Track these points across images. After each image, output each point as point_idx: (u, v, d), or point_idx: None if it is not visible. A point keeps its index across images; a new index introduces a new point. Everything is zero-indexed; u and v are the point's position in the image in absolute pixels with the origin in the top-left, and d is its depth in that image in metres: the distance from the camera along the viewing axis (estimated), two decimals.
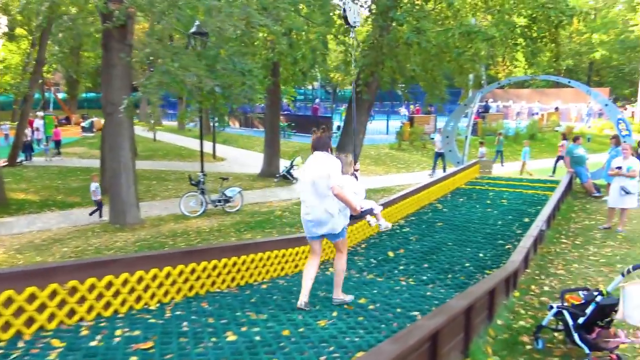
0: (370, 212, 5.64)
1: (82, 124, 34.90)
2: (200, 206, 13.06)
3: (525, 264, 7.12)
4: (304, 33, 11.42)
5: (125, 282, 4.58)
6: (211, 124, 23.82)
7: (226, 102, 9.70)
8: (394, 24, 10.87)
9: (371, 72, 11.88)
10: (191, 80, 7.83)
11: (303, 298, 5.03)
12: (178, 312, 4.63)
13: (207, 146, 23.63)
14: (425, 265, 7.28)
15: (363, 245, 8.36)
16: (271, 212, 13.21)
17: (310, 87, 73.01)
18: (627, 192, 9.62)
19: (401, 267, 7.21)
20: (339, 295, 5.29)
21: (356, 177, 5.75)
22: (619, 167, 9.68)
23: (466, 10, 13.46)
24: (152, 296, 4.84)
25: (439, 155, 17.49)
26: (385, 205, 9.42)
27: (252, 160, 22.40)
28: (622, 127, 14.72)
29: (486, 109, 33.10)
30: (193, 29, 11.12)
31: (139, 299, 4.73)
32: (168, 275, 4.97)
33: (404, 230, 9.30)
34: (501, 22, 10.76)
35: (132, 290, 4.66)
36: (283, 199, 15.25)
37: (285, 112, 34.29)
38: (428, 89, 12.90)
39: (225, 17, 8.18)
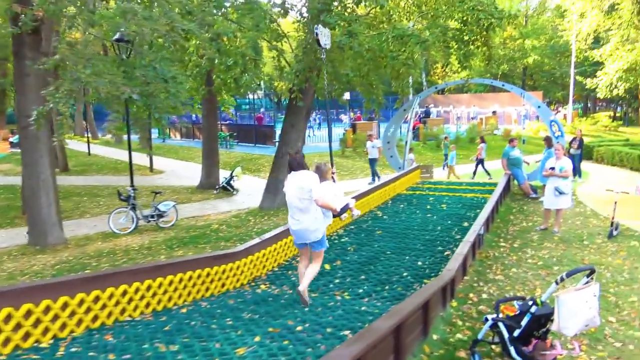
0: (346, 208, 6.60)
1: (11, 139, 32.91)
2: (131, 222, 12.28)
3: (464, 271, 6.91)
4: (236, 39, 10.96)
5: (8, 318, 3.96)
6: (152, 135, 22.84)
7: (148, 110, 9.04)
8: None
9: (305, 78, 11.53)
10: (105, 87, 7.20)
11: (303, 294, 5.72)
12: (74, 349, 4.05)
13: (145, 159, 22.75)
14: (362, 277, 6.94)
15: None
16: (208, 225, 12.60)
17: (255, 96, 72.59)
18: (561, 193, 9.67)
19: (337, 281, 6.84)
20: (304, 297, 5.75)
21: (334, 180, 6.77)
22: (552, 168, 9.74)
23: (400, 15, 13.40)
24: (45, 332, 4.24)
25: (373, 162, 17.12)
26: None
27: (191, 172, 21.61)
28: (555, 129, 15.03)
29: (427, 114, 33.59)
30: (116, 36, 10.48)
31: (27, 336, 4.12)
32: (65, 305, 4.38)
33: (342, 240, 8.97)
34: (434, 25, 10.70)
35: (19, 326, 4.04)
36: (222, 211, 14.64)
37: (228, 122, 33.60)
38: (365, 94, 12.70)
39: (142, 20, 7.61)
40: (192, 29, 8.46)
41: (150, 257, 9.43)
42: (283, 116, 32.80)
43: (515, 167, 13.68)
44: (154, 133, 39.36)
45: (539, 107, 15.53)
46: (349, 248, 8.43)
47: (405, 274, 7.03)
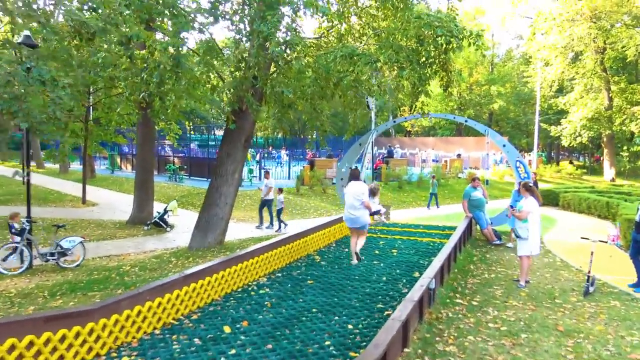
0: (378, 212, 10.64)
1: None
2: (21, 261, 10.20)
3: (404, 342, 5.18)
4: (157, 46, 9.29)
5: None
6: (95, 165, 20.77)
7: (15, 119, 7.20)
8: (263, 41, 9.08)
9: (238, 97, 9.95)
10: None
11: (354, 260, 8.74)
12: None
13: (85, 190, 20.63)
14: (269, 347, 5.15)
15: (195, 316, 6.09)
16: (119, 267, 10.60)
17: (220, 133, 71.01)
18: (517, 236, 8.23)
19: (232, 352, 5.02)
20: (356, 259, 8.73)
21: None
22: (512, 207, 8.30)
23: (354, 37, 12.05)
24: None
25: (266, 204, 15.17)
26: (238, 260, 7.30)
27: (129, 206, 19.56)
28: (521, 169, 13.78)
29: (390, 154, 32.42)
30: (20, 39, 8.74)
31: None
32: None
33: (260, 292, 7.16)
34: (387, 45, 9.33)
35: None
36: (145, 250, 12.65)
37: (181, 154, 31.69)
38: (309, 121, 11.15)
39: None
40: (86, 21, 6.77)
41: (16, 309, 7.41)
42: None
43: (477, 210, 12.23)
44: (104, 164, 37.24)
45: (504, 145, 14.30)
46: (266, 302, 6.63)
47: (327, 342, 5.27)
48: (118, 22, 8.04)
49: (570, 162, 44.45)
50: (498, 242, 12.05)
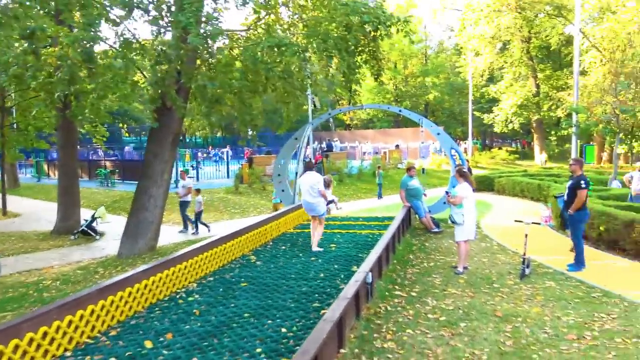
0: (332, 201, 10.41)
1: None
2: None
3: (339, 343, 4.88)
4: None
5: None
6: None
7: None
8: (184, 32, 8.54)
9: (162, 93, 9.36)
10: None
11: (314, 246, 9.46)
12: None
13: (5, 200, 19.17)
14: None
15: (114, 332, 5.56)
16: (39, 282, 9.78)
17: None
18: (453, 222, 8.18)
19: None
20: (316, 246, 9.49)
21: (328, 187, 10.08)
22: (447, 192, 8.25)
23: (284, 28, 11.66)
24: None
25: (183, 206, 14.30)
26: (164, 267, 6.80)
27: (55, 216, 18.36)
28: (456, 157, 13.88)
29: (329, 148, 32.31)
30: None
31: None
32: None
33: (189, 299, 6.69)
34: (314, 33, 9.01)
35: None
36: (71, 261, 11.79)
37: (113, 158, 30.33)
38: (239, 115, 10.67)
39: None
40: None
41: None
42: (183, 150, 30.15)
43: (415, 199, 12.18)
44: (30, 172, 35.02)
45: (438, 134, 14.36)
46: (194, 310, 6.17)
47: (258, 349, 4.89)
48: (18, 14, 7.28)
49: (499, 148, 45.90)
50: (437, 229, 12.05)
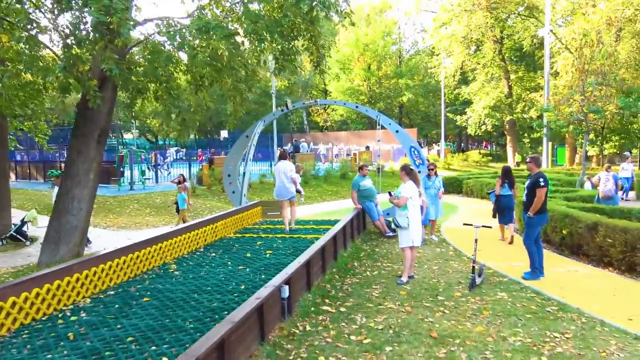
0: (299, 191, 11.64)
1: None
2: None
3: None
4: None
5: None
6: None
7: None
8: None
9: (74, 78, 8.26)
10: None
11: (289, 227, 10.83)
12: None
13: None
14: None
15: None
16: None
17: (130, 135, 66.98)
18: (397, 226, 7.30)
19: None
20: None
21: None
22: (390, 193, 7.33)
23: (224, 12, 10.61)
24: None
25: None
26: (46, 279, 5.72)
27: None
28: (415, 155, 13.00)
29: (296, 149, 31.32)
30: None
31: None
32: None
33: (72, 318, 5.60)
34: (246, 15, 8.02)
35: None
36: None
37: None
38: (163, 107, 9.59)
39: None
40: None
41: None
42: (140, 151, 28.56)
43: (368, 200, 11.25)
44: None
45: (397, 131, 13.47)
46: (69, 334, 5.09)
47: None
48: None
49: (461, 151, 45.47)
50: (391, 233, 11.13)
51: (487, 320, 5.73)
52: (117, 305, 5.99)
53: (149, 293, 6.48)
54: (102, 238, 13.21)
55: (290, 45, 8.18)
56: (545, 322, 5.68)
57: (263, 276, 7.17)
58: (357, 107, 14.87)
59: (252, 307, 4.51)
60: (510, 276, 7.74)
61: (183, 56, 10.20)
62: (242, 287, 6.61)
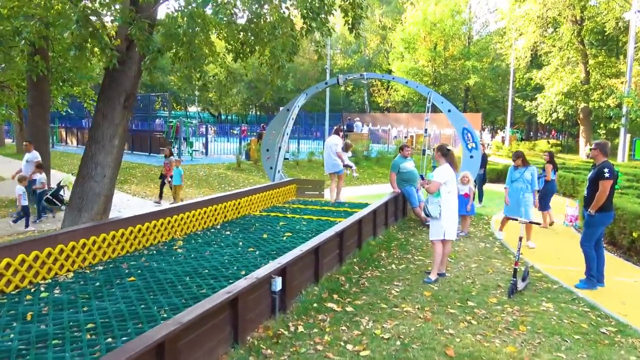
0: (350, 166, 11.75)
1: None
2: None
3: None
4: None
5: None
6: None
7: None
8: None
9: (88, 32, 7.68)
10: None
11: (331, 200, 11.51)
12: None
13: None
14: None
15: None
16: None
17: (193, 109, 68.21)
18: (427, 215, 6.28)
19: None
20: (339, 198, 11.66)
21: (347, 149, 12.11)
22: (422, 176, 6.32)
23: None
24: None
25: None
26: (23, 249, 5.16)
27: None
28: (468, 138, 11.75)
29: (349, 127, 30.26)
30: None
31: None
32: None
33: (42, 295, 5.02)
34: None
35: None
36: (13, 232, 10.44)
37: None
38: (183, 70, 8.82)
39: None
40: None
41: None
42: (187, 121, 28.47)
43: (408, 184, 10.17)
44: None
45: (449, 110, 12.21)
46: (28, 314, 4.50)
47: None
48: None
49: (528, 139, 42.68)
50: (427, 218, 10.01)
51: (523, 339, 4.66)
52: (97, 283, 5.37)
53: (139, 272, 5.82)
54: (132, 207, 12.91)
55: (320, 1, 7.17)
56: (597, 347, 4.54)
57: (271, 260, 6.35)
58: (406, 82, 13.71)
59: (213, 304, 3.68)
60: (562, 283, 6.54)
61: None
62: (243, 272, 5.82)
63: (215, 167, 20.77)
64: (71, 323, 4.29)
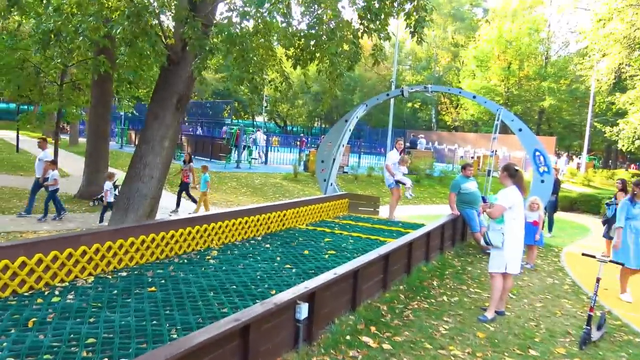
0: (403, 183, 11.16)
1: None
2: None
3: None
4: None
5: None
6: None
7: None
8: None
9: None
10: None
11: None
12: None
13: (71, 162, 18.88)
14: None
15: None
16: None
17: (260, 119, 69.43)
18: (487, 243, 5.49)
19: None
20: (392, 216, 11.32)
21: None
22: (484, 199, 5.54)
23: None
24: None
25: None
26: (39, 248, 4.86)
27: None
28: (540, 161, 10.72)
29: (413, 144, 29.30)
30: None
31: None
32: None
33: (54, 300, 4.66)
34: None
35: None
36: (62, 229, 10.44)
37: (189, 132, 29.79)
38: (233, 75, 8.39)
39: None
40: None
41: None
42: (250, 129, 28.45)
43: (469, 207, 9.29)
44: (113, 139, 35.48)
45: (520, 130, 11.20)
46: (30, 321, 4.12)
47: None
48: None
49: (626, 170, 39.74)
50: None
51: None
52: (115, 291, 4.97)
53: (162, 282, 5.39)
54: (185, 211, 12.72)
55: (380, 1, 6.55)
56: None
57: (306, 279, 5.75)
58: (474, 97, 12.80)
59: (217, 332, 3.11)
60: None
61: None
62: (273, 292, 5.25)
63: (272, 176, 20.50)
64: (72, 335, 3.87)
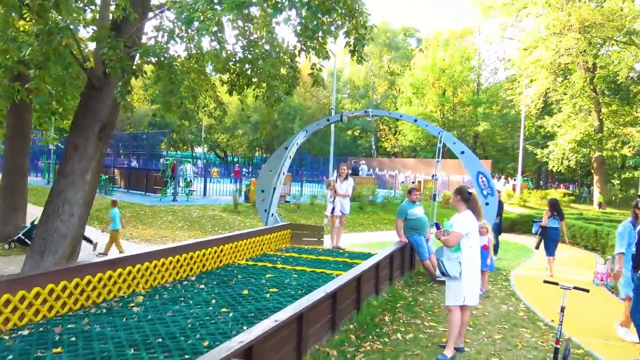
0: (331, 201, 10.83)
1: None
2: None
3: None
4: None
5: None
6: None
7: None
8: None
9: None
10: None
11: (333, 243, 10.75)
12: None
13: None
14: None
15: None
16: None
17: (199, 150, 67.93)
18: (442, 273, 5.06)
19: None
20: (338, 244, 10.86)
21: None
22: (437, 225, 5.12)
23: None
24: None
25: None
26: None
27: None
28: (483, 182, 10.57)
29: (354, 171, 29.17)
30: None
31: None
32: None
33: None
34: None
35: None
36: None
37: (124, 165, 28.27)
38: (164, 101, 7.72)
39: None
40: None
41: None
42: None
43: (417, 233, 8.92)
44: (38, 174, 33.20)
45: (462, 152, 11.08)
46: None
47: None
48: None
49: (555, 189, 41.45)
50: (443, 278, 8.68)
51: None
52: (9, 357, 4.08)
53: (72, 339, 4.53)
54: (114, 250, 11.66)
55: (318, 18, 6.14)
56: None
57: (245, 328, 5.04)
58: (415, 120, 12.65)
59: None
60: None
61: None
62: (205, 343, 4.52)
63: (211, 208, 19.58)
64: None
